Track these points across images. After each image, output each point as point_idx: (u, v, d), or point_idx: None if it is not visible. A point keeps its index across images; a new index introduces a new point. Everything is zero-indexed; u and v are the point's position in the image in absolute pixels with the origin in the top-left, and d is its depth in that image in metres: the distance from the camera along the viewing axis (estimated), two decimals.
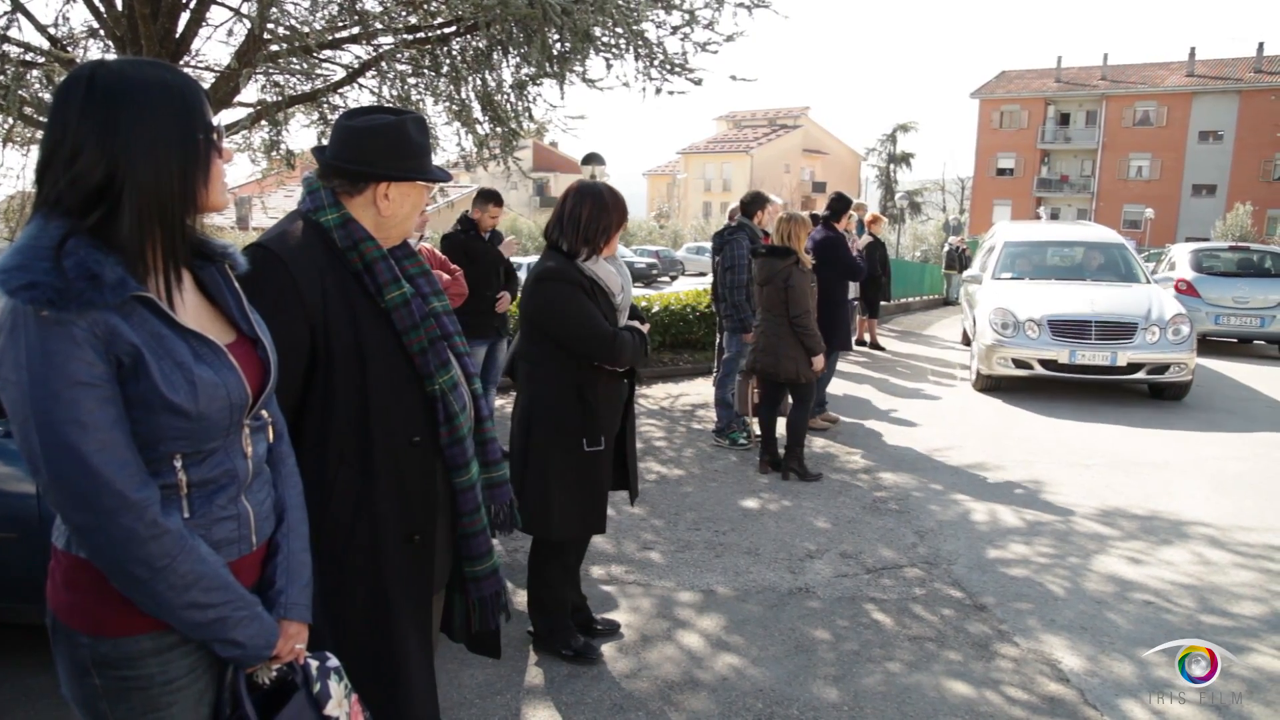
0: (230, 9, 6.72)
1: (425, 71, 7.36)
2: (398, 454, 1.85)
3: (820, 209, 7.89)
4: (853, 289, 9.27)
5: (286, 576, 1.51)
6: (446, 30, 6.87)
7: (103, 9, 6.40)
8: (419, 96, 7.61)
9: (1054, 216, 47.27)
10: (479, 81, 7.36)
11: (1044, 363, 8.23)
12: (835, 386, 8.54)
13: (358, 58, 7.25)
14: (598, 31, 6.53)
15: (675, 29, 6.93)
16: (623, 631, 3.57)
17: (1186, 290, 11.68)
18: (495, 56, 7.18)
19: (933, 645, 3.51)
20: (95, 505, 1.24)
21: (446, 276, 5.03)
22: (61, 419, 1.22)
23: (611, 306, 3.12)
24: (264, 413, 1.51)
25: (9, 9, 6.26)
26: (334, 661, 1.59)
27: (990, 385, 8.78)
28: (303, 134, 33.21)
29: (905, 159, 54.92)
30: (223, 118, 7.01)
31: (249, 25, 6.12)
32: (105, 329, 1.24)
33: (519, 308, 3.28)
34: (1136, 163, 48.42)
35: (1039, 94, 50.98)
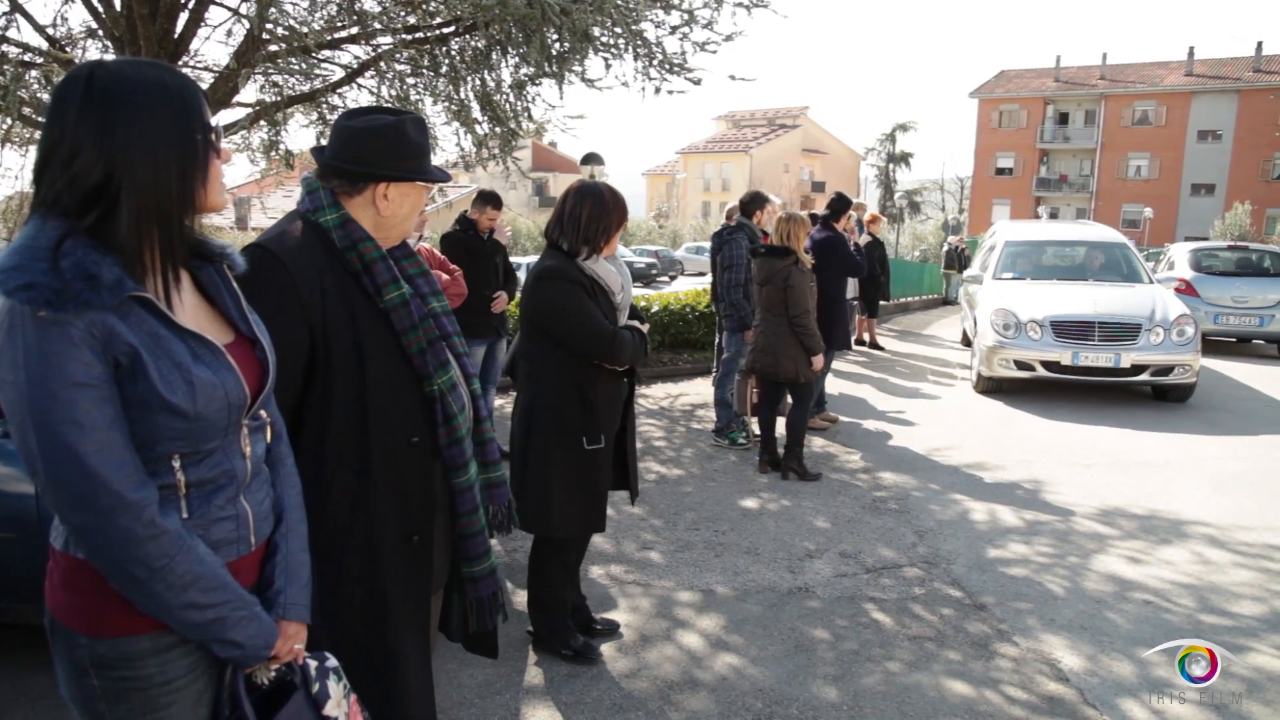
0: (229, 9, 6.72)
1: (424, 71, 7.36)
2: (396, 454, 1.85)
3: (819, 209, 7.90)
4: (851, 288, 9.29)
5: (285, 576, 1.51)
6: (445, 30, 6.87)
7: (101, 9, 6.40)
8: (418, 96, 7.61)
9: (1053, 216, 47.30)
10: (478, 81, 7.36)
11: (1046, 364, 8.13)
12: (835, 386, 8.54)
13: (356, 58, 7.25)
14: (596, 31, 6.53)
15: (674, 29, 6.93)
16: (622, 631, 3.57)
17: (1185, 290, 11.66)
18: (494, 56, 7.19)
19: (932, 645, 3.51)
20: (93, 505, 1.24)
21: (445, 276, 5.03)
22: (59, 419, 1.22)
23: (611, 306, 3.12)
24: (262, 413, 1.51)
25: (7, 9, 6.26)
26: (333, 662, 1.59)
27: (992, 387, 8.68)
28: (302, 134, 33.23)
29: (904, 158, 54.95)
30: (222, 118, 7.01)
31: (248, 25, 6.12)
32: (103, 329, 1.24)
33: (519, 307, 3.28)
34: (1135, 162, 48.44)
35: (1038, 93, 51.00)
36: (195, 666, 1.41)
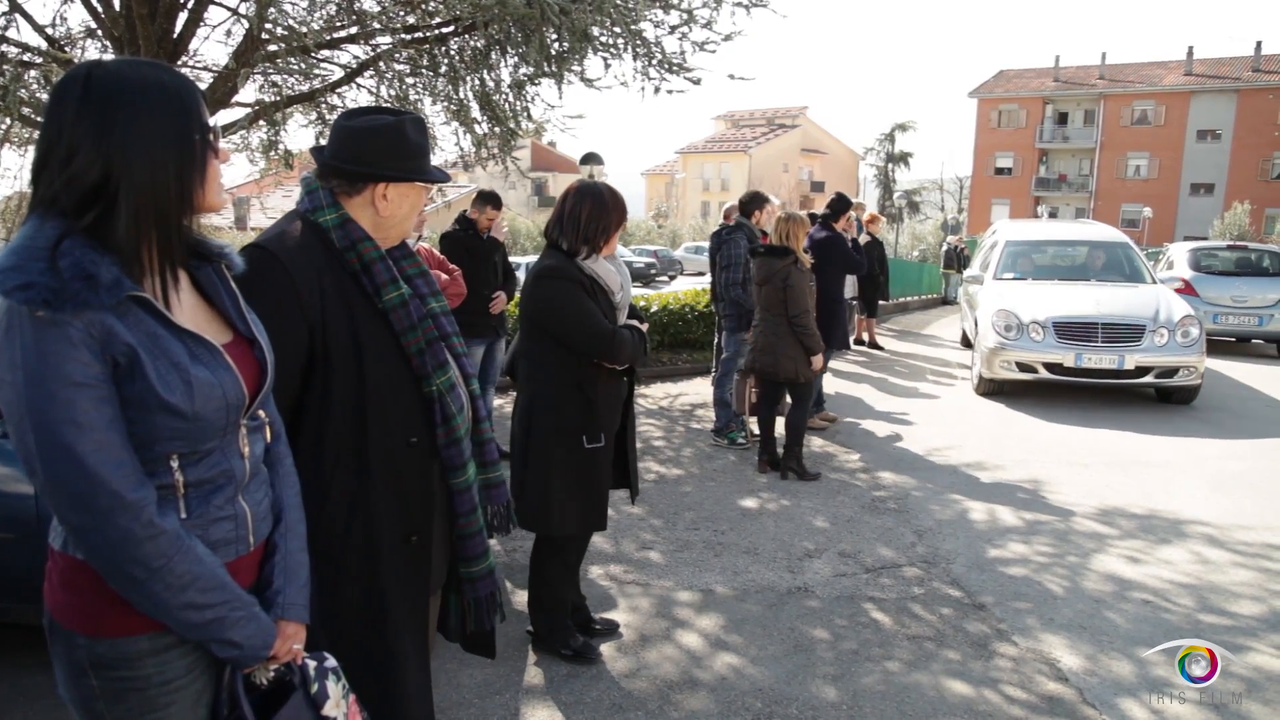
0: (228, 9, 6.72)
1: (423, 71, 7.36)
2: (395, 454, 1.84)
3: (819, 208, 7.90)
4: (850, 288, 9.29)
5: (284, 577, 1.51)
6: (444, 30, 6.87)
7: (100, 9, 6.39)
8: (417, 96, 7.61)
9: (1052, 215, 47.33)
10: (477, 81, 7.36)
11: (1049, 366, 7.98)
12: (834, 385, 8.55)
13: (356, 58, 7.25)
14: (596, 31, 6.53)
15: (673, 28, 6.93)
16: (622, 631, 3.57)
17: (1185, 289, 11.64)
18: (493, 56, 7.18)
19: (931, 644, 3.51)
20: (91, 506, 1.24)
21: (445, 276, 5.02)
22: (57, 419, 1.21)
23: (611, 305, 3.13)
24: (261, 413, 1.51)
25: (7, 9, 6.27)
26: (332, 662, 1.59)
27: (993, 389, 8.54)
28: (301, 134, 33.18)
29: (903, 158, 55.01)
30: (221, 118, 7.02)
31: (247, 25, 6.12)
32: (101, 329, 1.24)
33: (519, 306, 3.28)
34: (1134, 162, 48.46)
35: (1037, 93, 51.01)
36: (194, 667, 1.41)
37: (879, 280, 10.84)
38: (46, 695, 2.89)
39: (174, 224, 1.34)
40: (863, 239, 9.42)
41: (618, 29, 6.57)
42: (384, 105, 6.97)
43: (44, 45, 6.63)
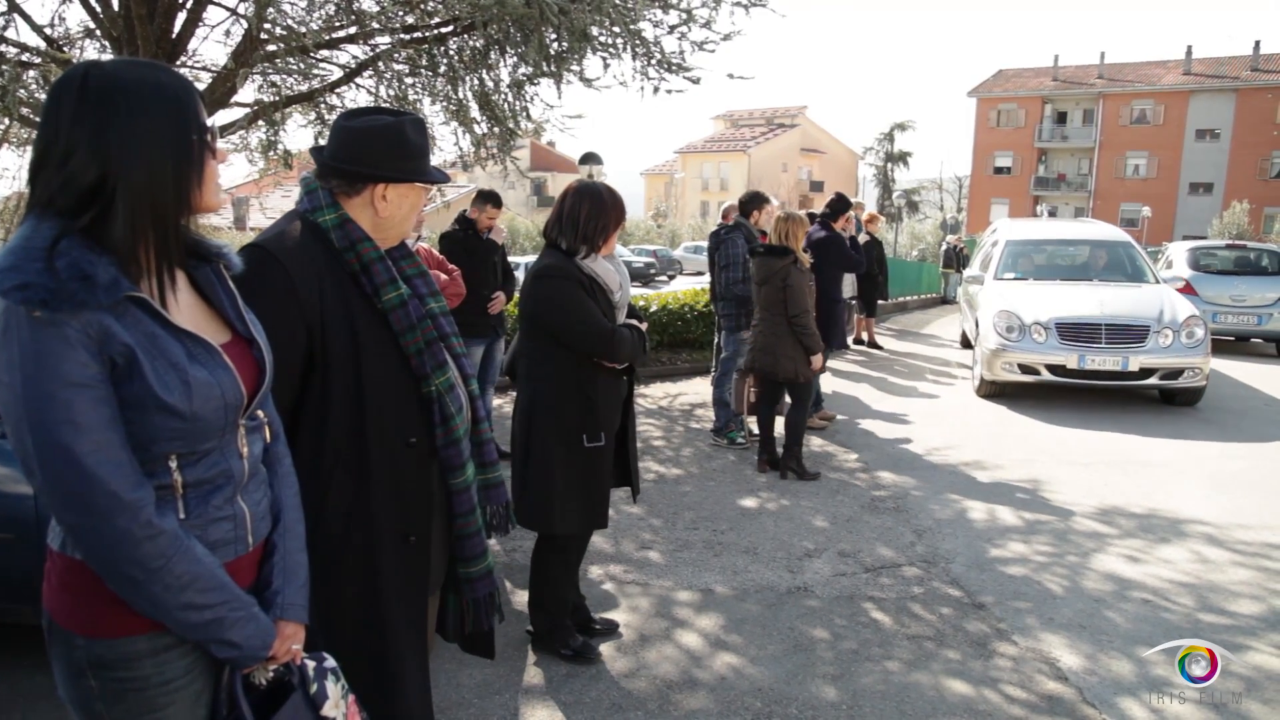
0: (227, 9, 6.71)
1: (422, 71, 7.36)
2: (394, 455, 1.84)
3: (818, 208, 7.89)
4: (849, 287, 9.29)
5: (283, 577, 1.51)
6: (443, 30, 6.86)
7: (99, 9, 6.39)
8: (416, 96, 7.60)
9: (1052, 214, 47.31)
10: (476, 81, 7.36)
11: (1052, 368, 7.85)
12: (833, 385, 8.54)
13: (355, 58, 7.25)
14: (595, 31, 6.52)
15: (672, 28, 6.93)
16: (621, 631, 3.57)
17: (1184, 289, 11.62)
18: (492, 56, 7.18)
19: (931, 644, 3.51)
20: (89, 506, 1.23)
21: (444, 276, 5.02)
22: (55, 420, 1.21)
23: (610, 304, 3.13)
24: (260, 413, 1.51)
25: (5, 9, 6.25)
26: (331, 662, 1.59)
27: (994, 391, 8.43)
28: (300, 134, 33.19)
29: (903, 158, 55.00)
30: (220, 118, 7.02)
31: (246, 25, 6.12)
32: (99, 329, 1.24)
33: (519, 306, 3.28)
34: (1133, 161, 48.47)
35: (1036, 93, 51.01)
36: (193, 667, 1.40)
37: (878, 280, 10.83)
38: (46, 696, 2.88)
39: (171, 224, 1.34)
40: (862, 238, 9.42)
41: (617, 29, 6.57)
42: (383, 105, 6.99)
43: (42, 45, 6.63)
